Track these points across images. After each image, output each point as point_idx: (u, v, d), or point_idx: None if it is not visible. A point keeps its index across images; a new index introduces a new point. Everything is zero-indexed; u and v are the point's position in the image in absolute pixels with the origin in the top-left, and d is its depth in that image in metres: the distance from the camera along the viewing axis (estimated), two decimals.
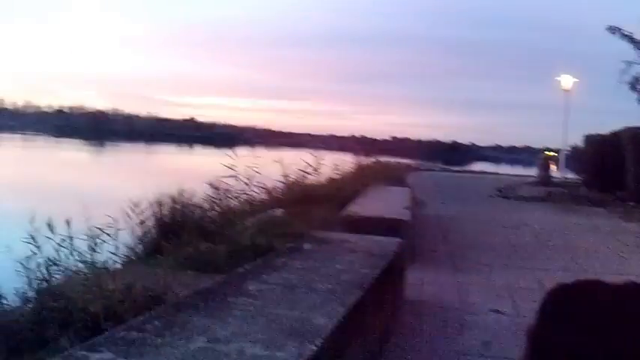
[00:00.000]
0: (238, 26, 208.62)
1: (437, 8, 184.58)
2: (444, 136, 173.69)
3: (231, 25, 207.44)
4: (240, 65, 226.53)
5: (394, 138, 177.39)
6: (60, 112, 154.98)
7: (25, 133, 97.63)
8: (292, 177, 10.33)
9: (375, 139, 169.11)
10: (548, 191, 17.60)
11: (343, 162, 16.74)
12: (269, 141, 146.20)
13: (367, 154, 22.49)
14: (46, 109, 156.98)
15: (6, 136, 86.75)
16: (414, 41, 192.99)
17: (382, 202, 8.61)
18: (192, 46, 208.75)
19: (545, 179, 21.84)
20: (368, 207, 7.64)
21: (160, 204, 7.00)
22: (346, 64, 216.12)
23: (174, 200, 7.13)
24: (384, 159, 25.49)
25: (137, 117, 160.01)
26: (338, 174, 14.02)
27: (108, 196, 13.22)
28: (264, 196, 9.31)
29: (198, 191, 7.92)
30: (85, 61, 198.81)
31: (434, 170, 33.43)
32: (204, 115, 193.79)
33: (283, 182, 10.11)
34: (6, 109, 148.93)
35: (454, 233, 10.00)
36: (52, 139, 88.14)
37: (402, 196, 9.94)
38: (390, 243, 4.91)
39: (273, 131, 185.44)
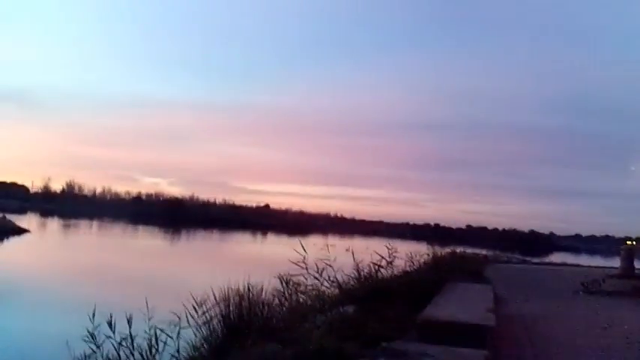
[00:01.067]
0: (311, 113, 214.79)
1: (510, 96, 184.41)
2: (522, 224, 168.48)
3: (303, 113, 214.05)
4: (314, 152, 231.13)
5: (470, 227, 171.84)
6: (137, 199, 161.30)
7: (102, 220, 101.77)
8: (365, 269, 9.92)
9: (451, 228, 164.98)
10: (632, 284, 16.39)
11: (418, 252, 16.31)
12: (342, 228, 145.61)
13: (442, 243, 21.81)
14: (123, 196, 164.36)
15: (84, 222, 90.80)
16: (489, 128, 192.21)
17: (463, 303, 7.95)
18: (266, 133, 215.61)
19: (629, 271, 20.62)
20: (447, 309, 7.03)
21: (227, 301, 6.71)
22: (420, 150, 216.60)
23: (241, 297, 6.82)
24: (459, 249, 24.80)
25: (212, 204, 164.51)
26: (412, 266, 13.48)
27: (176, 287, 13.08)
28: (335, 290, 8.89)
29: (268, 285, 7.61)
30: (162, 149, 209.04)
31: (512, 262, 32.02)
32: (278, 202, 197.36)
33: (356, 275, 9.69)
34: (85, 195, 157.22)
35: (540, 336, 9.14)
36: (129, 225, 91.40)
37: (484, 295, 9.21)
38: (476, 357, 4.32)
39: (346, 219, 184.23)
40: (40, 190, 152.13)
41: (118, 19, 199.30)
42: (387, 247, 12.38)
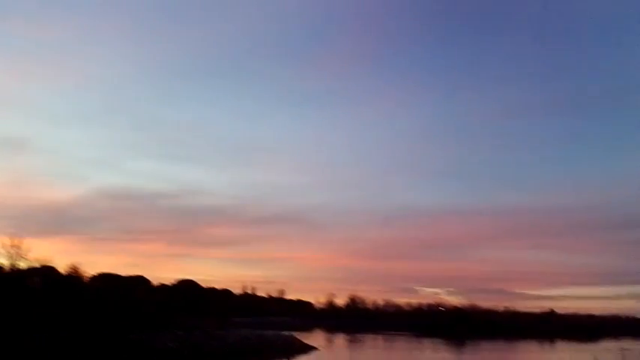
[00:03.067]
0: (585, 210, 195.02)
1: None
2: None
3: (576, 210, 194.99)
4: (596, 250, 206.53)
5: None
6: (418, 310, 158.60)
7: (385, 333, 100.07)
8: None
9: None
10: None
11: None
12: (637, 331, 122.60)
13: None
14: (404, 308, 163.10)
15: (368, 336, 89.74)
16: None
17: None
18: (541, 235, 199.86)
19: None
20: None
21: None
22: None
23: None
24: None
25: (494, 312, 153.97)
26: None
27: None
28: None
29: None
30: (439, 258, 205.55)
31: None
32: (563, 307, 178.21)
33: None
34: (367, 309, 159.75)
35: None
36: (412, 338, 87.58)
37: None
38: None
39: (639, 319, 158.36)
40: (324, 306, 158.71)
41: (387, 136, 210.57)
42: None
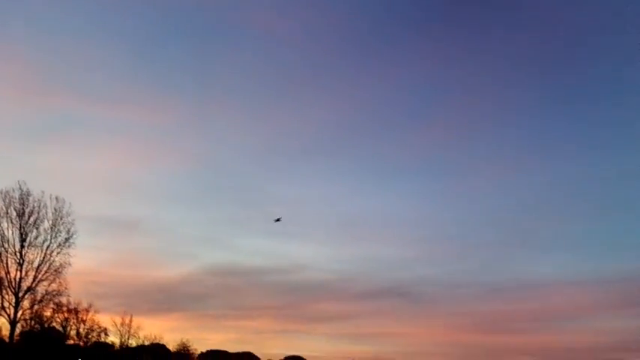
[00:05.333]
0: None
1: None
2: None
3: None
4: None
5: None
6: None
7: None
8: None
9: None
10: None
11: None
12: None
13: None
14: None
15: None
16: None
17: None
18: None
19: None
20: None
21: None
22: None
23: None
24: None
25: None
26: None
27: None
28: None
29: None
30: (551, 331, 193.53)
31: None
32: None
33: None
34: None
35: None
36: None
37: None
38: None
39: None
40: None
41: (490, 207, 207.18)
42: None
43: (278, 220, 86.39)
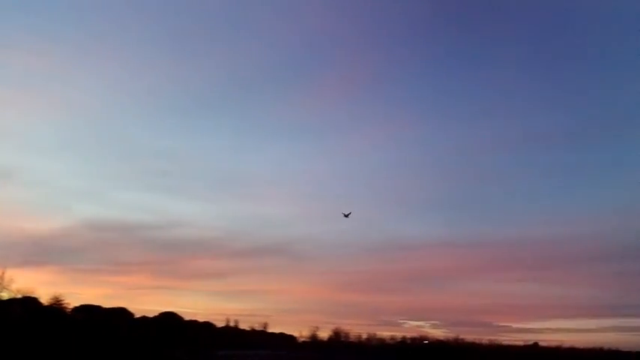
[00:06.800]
0: (570, 242, 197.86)
1: None
2: None
3: (563, 243, 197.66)
4: (581, 283, 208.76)
5: None
6: (402, 343, 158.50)
7: None
8: None
9: None
10: None
11: None
12: None
13: None
14: (388, 341, 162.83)
15: None
16: None
17: None
18: (525, 268, 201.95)
19: None
20: None
21: None
22: None
23: None
24: None
25: (478, 345, 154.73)
26: None
27: None
28: None
29: None
30: (424, 291, 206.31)
31: None
32: (547, 340, 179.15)
33: None
34: (351, 342, 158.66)
35: None
36: None
37: None
38: None
39: (622, 352, 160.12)
40: (307, 339, 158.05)
41: (373, 169, 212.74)
42: None
43: (348, 214, 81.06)
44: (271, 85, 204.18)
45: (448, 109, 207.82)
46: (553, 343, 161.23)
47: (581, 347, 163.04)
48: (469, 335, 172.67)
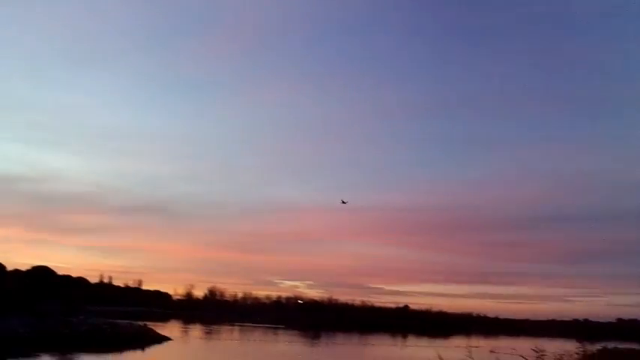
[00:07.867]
0: (448, 211, 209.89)
1: None
2: None
3: (440, 211, 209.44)
4: (453, 250, 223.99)
5: (620, 320, 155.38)
6: (277, 303, 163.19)
7: (243, 324, 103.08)
8: None
9: (600, 323, 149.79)
10: None
11: (567, 351, 15.20)
12: (486, 328, 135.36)
13: (592, 339, 22.09)
14: (264, 300, 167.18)
15: (225, 327, 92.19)
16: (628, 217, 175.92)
17: None
18: (403, 233, 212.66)
19: None
20: None
21: None
22: (559, 244, 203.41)
23: None
24: (611, 344, 24.84)
25: (351, 306, 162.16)
26: None
27: None
28: None
29: None
30: (300, 252, 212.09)
31: None
32: (417, 303, 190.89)
33: None
34: (226, 301, 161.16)
35: None
36: (269, 329, 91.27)
37: None
38: None
39: (489, 318, 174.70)
40: (182, 298, 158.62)
41: (254, 129, 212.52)
42: (535, 350, 13.07)
43: (344, 202, 78.46)
44: (157, 39, 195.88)
45: (335, 73, 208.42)
46: (423, 307, 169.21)
47: (451, 311, 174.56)
48: (342, 296, 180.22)
